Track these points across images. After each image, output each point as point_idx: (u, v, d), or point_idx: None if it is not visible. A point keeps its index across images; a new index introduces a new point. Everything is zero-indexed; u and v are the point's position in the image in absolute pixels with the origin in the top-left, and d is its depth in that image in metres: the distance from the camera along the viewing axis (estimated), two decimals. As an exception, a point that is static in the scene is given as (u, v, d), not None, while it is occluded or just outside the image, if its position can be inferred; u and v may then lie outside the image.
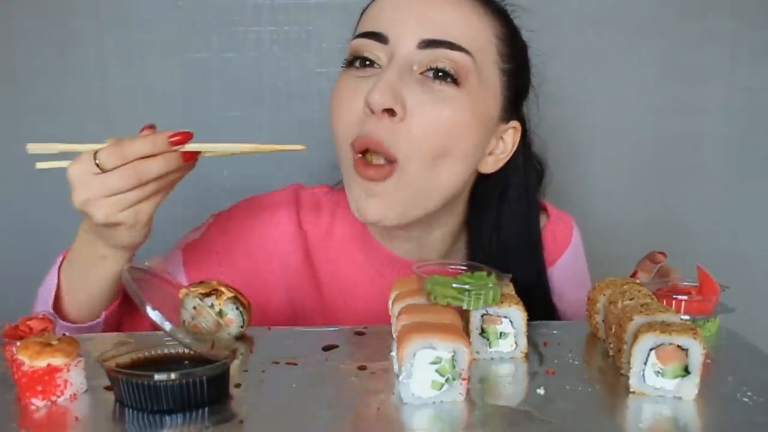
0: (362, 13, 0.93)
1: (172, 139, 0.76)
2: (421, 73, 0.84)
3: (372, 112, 0.82)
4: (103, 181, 0.74)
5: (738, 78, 1.43)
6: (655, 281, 0.90)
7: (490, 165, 0.94)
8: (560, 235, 1.06)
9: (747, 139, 1.46)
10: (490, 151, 0.93)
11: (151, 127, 0.78)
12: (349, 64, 0.88)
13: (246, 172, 1.42)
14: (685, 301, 0.80)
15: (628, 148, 1.46)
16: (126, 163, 0.74)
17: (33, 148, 0.79)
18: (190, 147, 0.77)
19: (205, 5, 1.36)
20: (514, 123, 0.94)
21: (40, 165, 0.80)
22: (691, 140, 1.46)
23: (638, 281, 0.80)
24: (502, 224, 0.97)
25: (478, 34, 0.87)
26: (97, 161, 0.74)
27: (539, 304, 0.95)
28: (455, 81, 0.84)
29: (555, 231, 1.06)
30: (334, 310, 1.00)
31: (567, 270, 1.06)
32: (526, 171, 0.99)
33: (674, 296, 0.80)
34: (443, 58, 0.84)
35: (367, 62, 0.86)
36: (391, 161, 0.84)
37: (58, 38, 1.35)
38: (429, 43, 0.84)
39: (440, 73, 0.84)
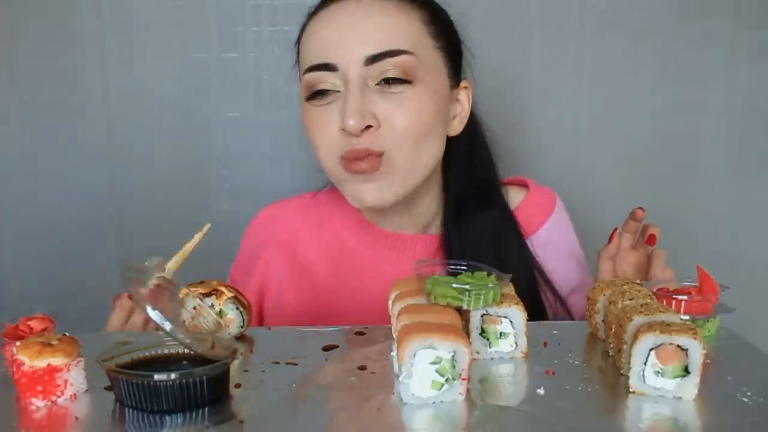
0: (300, 40, 0.99)
1: (130, 295, 0.88)
2: (377, 84, 0.92)
3: (351, 134, 0.91)
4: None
5: (737, 78, 1.43)
6: (654, 282, 0.90)
7: (456, 127, 1.02)
8: (541, 206, 1.10)
9: (746, 139, 1.46)
10: (453, 116, 1.02)
11: (117, 296, 0.92)
12: (310, 98, 0.96)
13: (246, 173, 1.42)
14: (685, 301, 0.80)
15: (628, 148, 1.46)
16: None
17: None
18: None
19: (205, 5, 1.36)
20: (464, 83, 1.03)
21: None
22: (691, 140, 1.46)
23: (638, 282, 0.80)
24: (457, 174, 1.05)
25: (410, 31, 0.94)
26: None
27: (515, 257, 1.02)
28: (406, 81, 0.92)
29: (535, 202, 1.10)
30: (328, 294, 1.06)
31: (549, 239, 1.09)
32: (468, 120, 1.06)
33: (674, 296, 0.80)
34: (390, 66, 0.91)
35: (324, 92, 0.94)
36: (377, 155, 0.92)
37: (59, 39, 1.35)
38: (374, 58, 0.91)
39: (391, 80, 0.92)
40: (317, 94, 0.94)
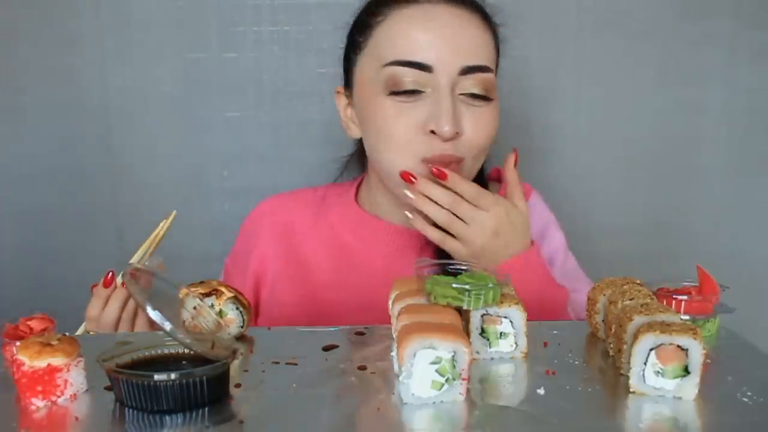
0: (370, 25, 0.99)
1: (105, 283, 0.92)
2: (461, 94, 0.96)
3: (441, 138, 0.94)
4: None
5: (737, 79, 1.43)
6: (655, 281, 0.90)
7: None
8: None
9: (746, 139, 1.46)
10: None
11: (94, 285, 0.94)
12: (393, 93, 0.96)
13: (246, 173, 1.42)
14: (685, 301, 0.80)
15: (628, 149, 1.46)
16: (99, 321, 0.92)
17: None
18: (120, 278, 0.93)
19: (205, 5, 1.36)
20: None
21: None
22: (691, 141, 1.46)
23: (638, 281, 0.80)
24: None
25: (491, 49, 1.00)
26: (90, 331, 0.93)
27: None
28: (487, 98, 0.98)
29: None
30: (323, 288, 1.07)
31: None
32: None
33: (674, 296, 0.80)
34: (479, 81, 0.96)
35: (412, 91, 0.95)
36: (458, 161, 0.97)
37: (58, 39, 1.35)
38: (468, 70, 0.95)
39: (476, 96, 0.97)
40: (405, 93, 0.95)
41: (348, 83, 1.06)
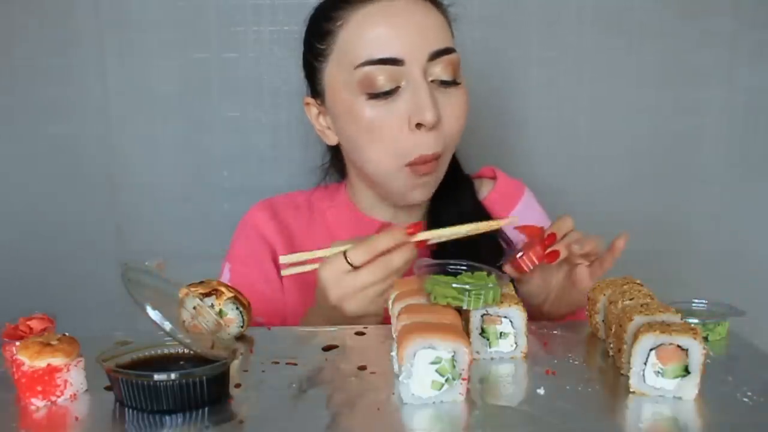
0: (332, 32, 0.98)
1: (409, 231, 0.88)
2: (432, 81, 0.96)
3: (426, 128, 0.94)
4: (355, 278, 0.84)
5: (738, 78, 1.43)
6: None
7: None
8: (507, 195, 1.14)
9: (747, 139, 1.46)
10: None
11: (388, 224, 0.99)
12: (371, 96, 0.95)
13: (246, 173, 1.42)
14: (521, 254, 0.86)
15: (628, 148, 1.46)
16: (373, 259, 0.84)
17: (284, 259, 0.93)
18: (422, 236, 0.89)
19: (205, 5, 1.36)
20: None
21: (284, 272, 0.94)
22: (691, 140, 1.46)
23: (638, 281, 0.79)
24: None
25: (448, 31, 1.00)
26: (348, 260, 0.84)
27: (487, 242, 1.02)
28: (456, 83, 0.98)
29: (501, 191, 1.14)
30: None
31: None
32: None
33: (517, 256, 0.87)
34: (447, 64, 0.96)
35: (388, 91, 0.95)
36: (437, 158, 0.98)
37: (58, 38, 1.35)
38: (436, 54, 0.96)
39: (446, 83, 0.97)
40: (383, 94, 0.95)
41: (315, 92, 1.05)
